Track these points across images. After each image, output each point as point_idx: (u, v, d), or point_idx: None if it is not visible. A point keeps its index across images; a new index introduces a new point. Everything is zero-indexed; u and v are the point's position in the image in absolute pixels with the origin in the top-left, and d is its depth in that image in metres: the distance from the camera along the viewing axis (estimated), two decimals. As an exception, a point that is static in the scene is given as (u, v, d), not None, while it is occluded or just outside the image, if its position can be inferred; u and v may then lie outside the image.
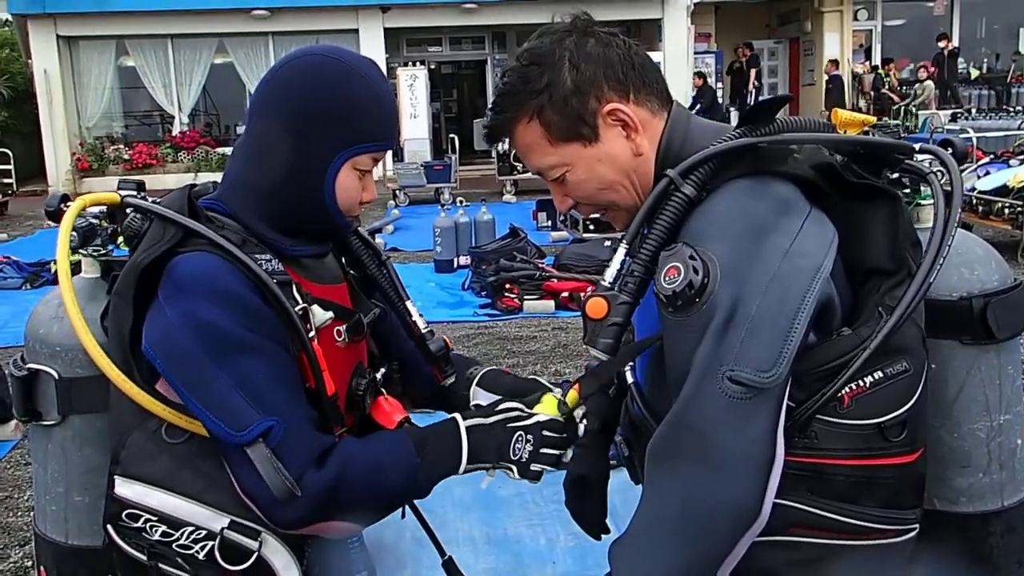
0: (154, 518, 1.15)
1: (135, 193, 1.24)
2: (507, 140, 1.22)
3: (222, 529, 1.14)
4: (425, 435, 1.23)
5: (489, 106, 1.24)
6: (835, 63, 16.70)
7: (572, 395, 1.27)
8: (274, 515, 1.13)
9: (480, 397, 1.41)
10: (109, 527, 1.18)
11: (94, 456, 1.24)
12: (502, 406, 1.27)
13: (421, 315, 1.42)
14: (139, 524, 1.16)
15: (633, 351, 1.21)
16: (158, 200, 1.23)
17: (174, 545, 1.15)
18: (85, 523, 1.25)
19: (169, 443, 1.17)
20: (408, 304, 1.42)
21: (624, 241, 1.14)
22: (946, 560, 1.17)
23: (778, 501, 1.04)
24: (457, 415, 1.25)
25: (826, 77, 16.16)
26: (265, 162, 1.22)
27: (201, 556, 1.14)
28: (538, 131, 1.17)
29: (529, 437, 1.22)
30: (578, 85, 1.14)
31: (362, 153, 1.22)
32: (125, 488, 1.17)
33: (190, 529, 1.14)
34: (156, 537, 1.15)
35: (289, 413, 1.13)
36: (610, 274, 1.13)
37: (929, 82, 15.46)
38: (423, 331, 1.41)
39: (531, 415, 1.24)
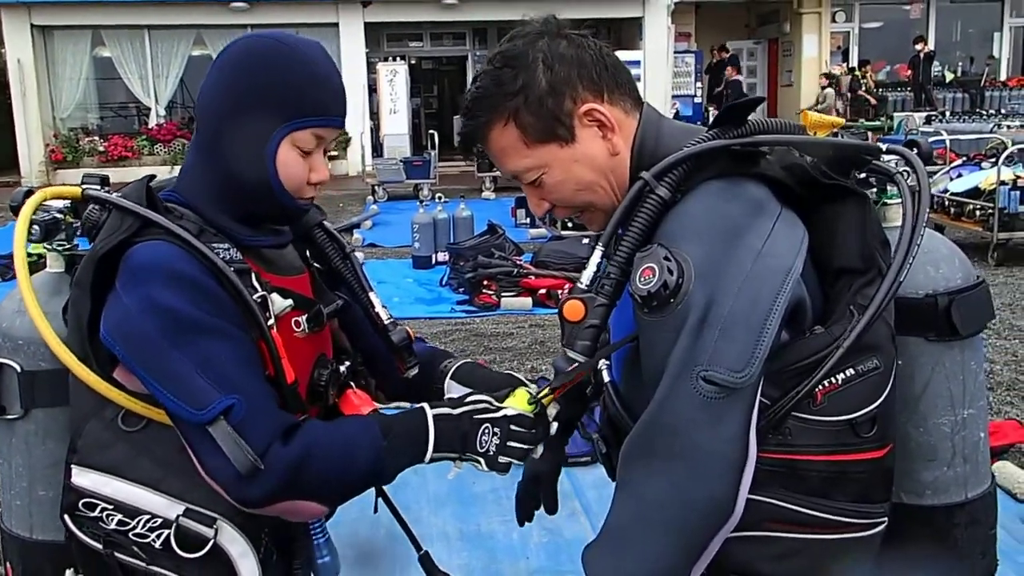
0: (110, 507, 1.15)
1: (98, 187, 1.24)
2: (481, 145, 1.21)
3: (177, 517, 1.14)
4: (392, 421, 1.23)
5: (462, 111, 1.23)
6: (736, 66, 16.49)
7: (549, 397, 1.27)
8: (239, 494, 1.12)
9: (454, 390, 1.41)
10: (66, 517, 1.18)
11: (57, 450, 1.23)
12: (471, 398, 1.26)
13: (384, 306, 1.42)
14: (95, 513, 1.16)
15: (607, 351, 1.22)
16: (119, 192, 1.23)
17: (130, 534, 1.15)
18: (49, 518, 1.24)
19: (125, 431, 1.17)
20: (372, 296, 1.41)
21: (600, 243, 1.15)
22: (913, 552, 1.19)
23: (753, 497, 1.06)
24: (425, 404, 1.25)
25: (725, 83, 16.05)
26: (211, 148, 1.22)
27: (157, 545, 1.14)
28: (514, 134, 1.16)
29: (496, 430, 1.22)
30: (553, 86, 1.14)
31: (299, 129, 1.20)
32: (81, 477, 1.17)
33: (146, 517, 1.14)
34: (112, 526, 1.15)
35: (251, 391, 1.13)
36: (587, 276, 1.14)
37: (830, 90, 15.71)
38: (385, 322, 1.40)
39: (499, 408, 1.24)
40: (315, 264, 1.40)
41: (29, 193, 1.23)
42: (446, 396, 1.41)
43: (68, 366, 1.15)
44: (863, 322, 1.04)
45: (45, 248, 1.26)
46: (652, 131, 1.18)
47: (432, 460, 1.23)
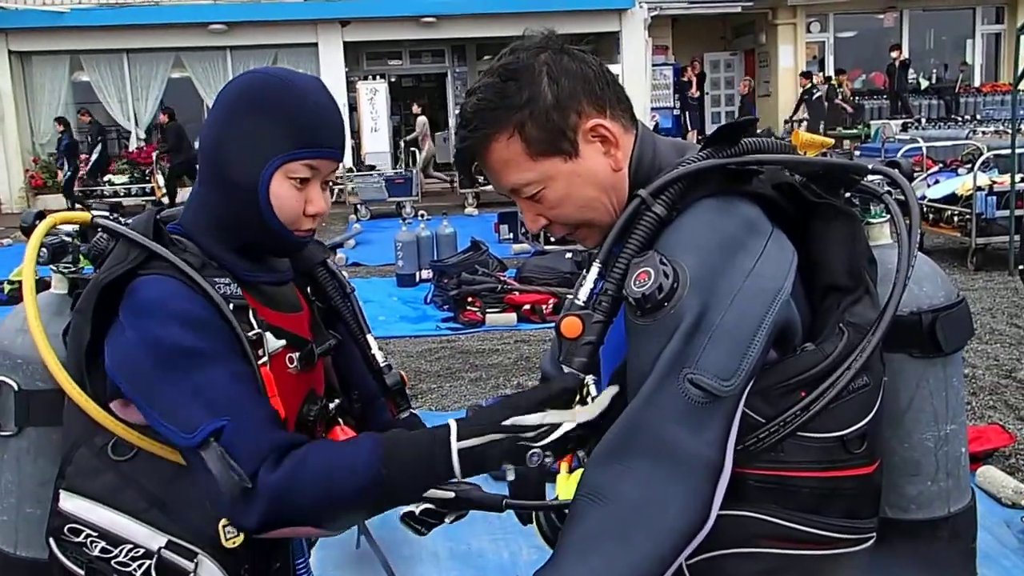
0: (95, 534, 1.17)
1: (108, 214, 1.25)
2: (478, 158, 1.19)
3: (159, 549, 1.15)
4: (404, 446, 1.12)
5: (460, 124, 1.20)
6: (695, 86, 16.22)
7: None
8: (235, 518, 1.11)
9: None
10: (51, 540, 1.20)
11: (48, 469, 1.25)
12: (512, 420, 1.09)
13: (381, 349, 1.43)
14: (80, 539, 1.18)
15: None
16: (127, 222, 1.24)
17: (112, 562, 1.16)
18: (35, 535, 1.26)
19: (114, 460, 1.18)
20: (369, 337, 1.42)
21: (597, 260, 1.15)
22: (896, 568, 1.20)
23: (745, 513, 1.06)
24: (453, 425, 1.11)
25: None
26: (209, 182, 1.23)
27: (138, 574, 1.16)
28: (518, 147, 1.15)
29: (547, 452, 1.08)
30: (559, 99, 1.14)
31: (291, 160, 1.19)
32: (69, 502, 1.19)
33: (129, 547, 1.16)
34: (95, 553, 1.17)
35: (242, 413, 1.11)
36: (583, 293, 1.13)
37: (422, 117, 14.69)
38: (381, 365, 1.41)
39: (553, 427, 1.08)
40: (316, 301, 1.40)
41: (41, 215, 1.24)
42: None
43: (65, 389, 1.16)
44: (872, 345, 1.06)
45: (51, 270, 1.28)
46: (649, 148, 1.19)
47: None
